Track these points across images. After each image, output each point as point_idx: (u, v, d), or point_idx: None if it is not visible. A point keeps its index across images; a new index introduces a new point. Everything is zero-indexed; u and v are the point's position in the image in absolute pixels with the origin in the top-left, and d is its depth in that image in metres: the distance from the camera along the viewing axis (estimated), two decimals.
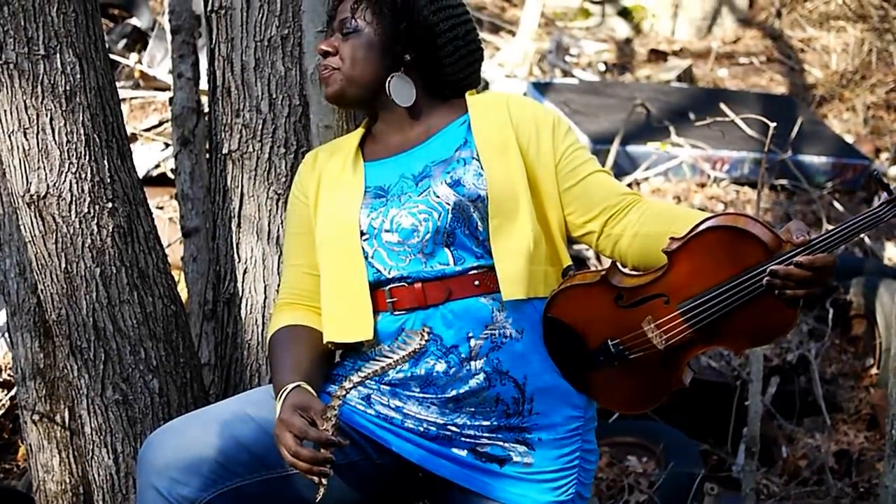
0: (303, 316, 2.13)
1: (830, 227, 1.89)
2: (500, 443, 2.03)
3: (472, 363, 2.01)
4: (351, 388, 1.99)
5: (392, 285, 2.03)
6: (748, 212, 5.75)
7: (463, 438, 2.03)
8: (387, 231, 2.04)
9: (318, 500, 1.93)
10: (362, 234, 2.06)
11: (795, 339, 4.88)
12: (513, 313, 2.02)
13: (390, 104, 2.13)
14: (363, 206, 2.08)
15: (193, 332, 2.77)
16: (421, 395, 2.02)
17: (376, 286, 2.05)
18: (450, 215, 2.02)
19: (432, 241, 2.02)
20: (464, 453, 2.03)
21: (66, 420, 2.77)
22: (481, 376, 2.01)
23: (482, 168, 2.04)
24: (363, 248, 2.06)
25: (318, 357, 2.09)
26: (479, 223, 2.02)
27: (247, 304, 2.53)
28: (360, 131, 2.23)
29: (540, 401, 2.04)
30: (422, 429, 2.03)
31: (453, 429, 2.02)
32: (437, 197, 2.03)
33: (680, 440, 4.18)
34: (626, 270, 2.03)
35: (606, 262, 2.31)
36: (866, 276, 4.92)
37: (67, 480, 2.50)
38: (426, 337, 1.99)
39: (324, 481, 1.92)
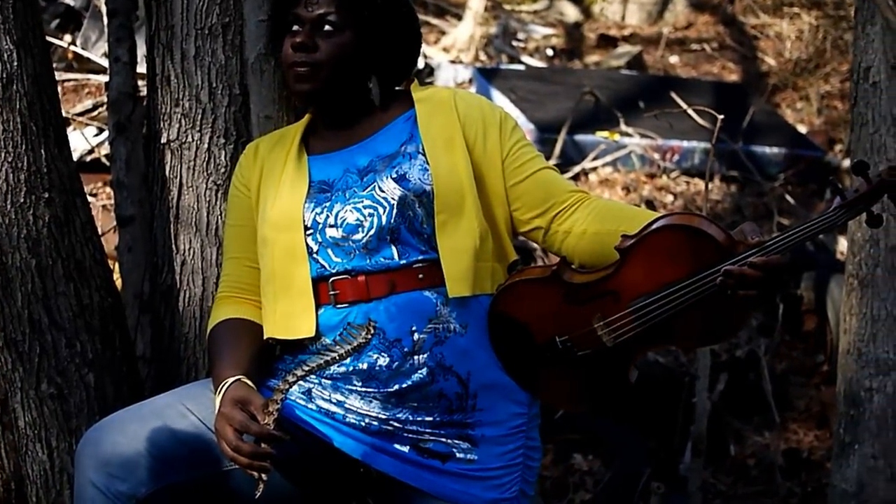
0: (243, 309, 2.19)
1: (785, 229, 1.95)
2: (443, 439, 2.09)
3: (416, 357, 2.06)
4: (293, 383, 2.02)
5: (335, 278, 2.09)
6: (699, 204, 5.87)
7: (405, 434, 2.09)
8: (331, 226, 2.10)
9: (257, 496, 1.98)
10: (306, 228, 2.11)
11: (745, 334, 4.97)
12: (457, 308, 2.08)
13: (350, 101, 2.18)
14: (307, 200, 2.13)
15: (129, 325, 2.83)
16: (363, 389, 2.08)
17: (319, 280, 2.11)
18: (395, 211, 2.07)
19: (377, 237, 2.08)
20: (406, 449, 2.09)
21: None
22: (424, 371, 2.06)
23: (427, 163, 2.10)
24: (307, 244, 2.11)
25: (259, 351, 2.15)
26: (425, 219, 2.08)
27: (184, 297, 2.59)
28: (302, 123, 2.27)
29: (483, 397, 2.10)
30: (364, 424, 2.08)
31: (395, 424, 2.08)
32: (382, 192, 2.09)
33: (626, 438, 4.25)
34: (575, 267, 2.08)
35: (553, 258, 2.38)
36: (818, 270, 5.04)
37: (0, 475, 2.54)
38: (371, 331, 2.03)
39: (264, 477, 1.97)
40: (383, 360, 2.06)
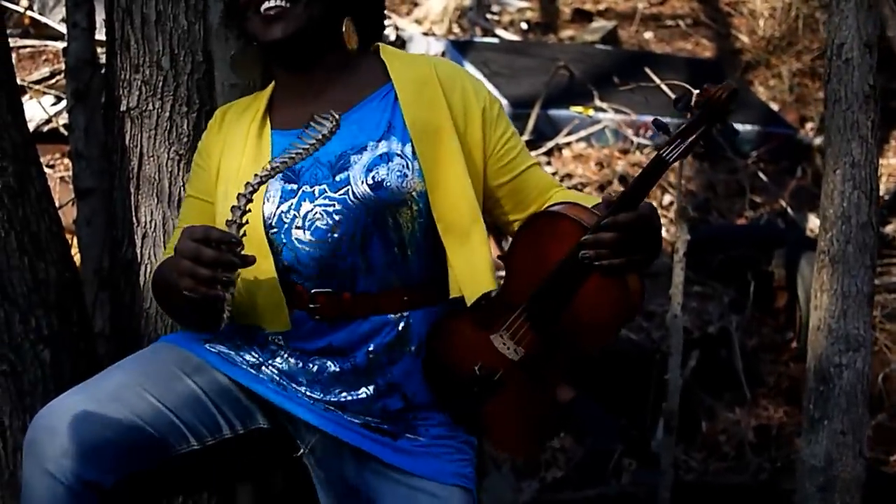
0: None
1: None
2: (388, 426, 2.04)
3: (365, 375, 2.01)
4: (258, 186, 1.84)
5: (316, 291, 1.98)
6: (671, 180, 5.85)
7: (353, 419, 2.04)
8: (298, 227, 1.98)
9: (222, 327, 1.87)
10: (271, 226, 1.99)
11: (717, 311, 4.99)
12: (416, 327, 2.01)
13: (323, 55, 2.03)
14: (271, 189, 1.99)
15: (88, 300, 2.76)
16: (306, 391, 2.03)
17: (291, 282, 2.00)
18: (369, 219, 1.95)
19: (347, 247, 1.97)
20: (357, 421, 2.04)
21: None
22: (371, 388, 2.01)
23: (408, 166, 1.96)
24: (272, 240, 1.99)
25: None
26: (403, 225, 1.97)
27: (146, 271, 2.52)
28: (267, 90, 2.13)
29: (426, 411, 2.06)
30: (313, 400, 2.03)
31: (341, 411, 2.03)
32: (356, 199, 1.95)
33: (598, 415, 4.25)
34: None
35: None
36: (788, 247, 5.05)
37: None
38: (336, 122, 1.83)
39: (228, 296, 1.84)
40: (333, 367, 2.01)
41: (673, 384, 3.57)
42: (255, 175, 1.85)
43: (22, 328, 2.41)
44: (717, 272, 5.20)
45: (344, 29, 2.02)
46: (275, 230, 1.99)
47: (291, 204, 1.98)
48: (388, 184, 1.94)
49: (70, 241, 2.65)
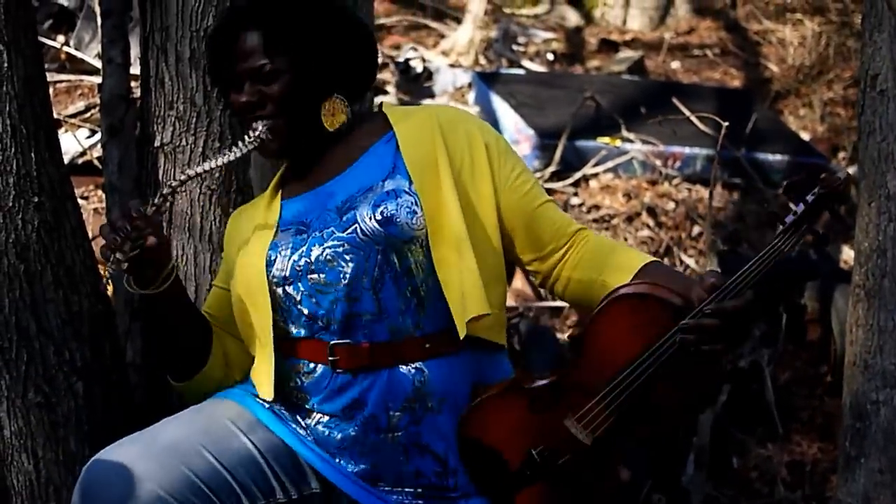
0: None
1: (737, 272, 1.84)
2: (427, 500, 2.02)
3: (390, 434, 1.99)
4: (179, 186, 1.97)
5: (335, 343, 1.99)
6: (701, 211, 5.83)
7: (390, 493, 2.02)
8: (312, 273, 1.99)
9: (108, 271, 1.92)
10: (286, 279, 2.01)
11: (748, 344, 4.96)
12: (435, 384, 1.99)
13: (319, 133, 2.07)
14: (282, 245, 2.03)
15: (120, 332, 2.79)
16: (335, 458, 2.03)
17: (311, 335, 2.02)
18: (379, 257, 1.96)
19: (360, 287, 1.97)
20: (395, 498, 2.02)
21: None
22: (400, 449, 1.99)
23: (418, 203, 1.96)
24: (289, 294, 2.01)
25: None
26: (414, 265, 1.97)
27: None
28: (279, 172, 2.19)
29: (467, 488, 2.01)
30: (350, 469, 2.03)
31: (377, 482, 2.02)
32: (365, 235, 1.96)
33: (627, 449, 4.23)
34: (534, 374, 1.96)
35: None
36: (822, 280, 5.01)
37: None
38: (261, 130, 1.97)
39: (119, 255, 1.89)
40: (356, 432, 2.00)
41: (704, 418, 3.55)
42: (175, 178, 1.98)
43: (56, 360, 2.44)
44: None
45: (324, 113, 2.05)
46: (290, 282, 2.01)
47: (302, 252, 2.01)
48: (398, 220, 1.95)
49: (103, 273, 2.69)
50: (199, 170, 2.01)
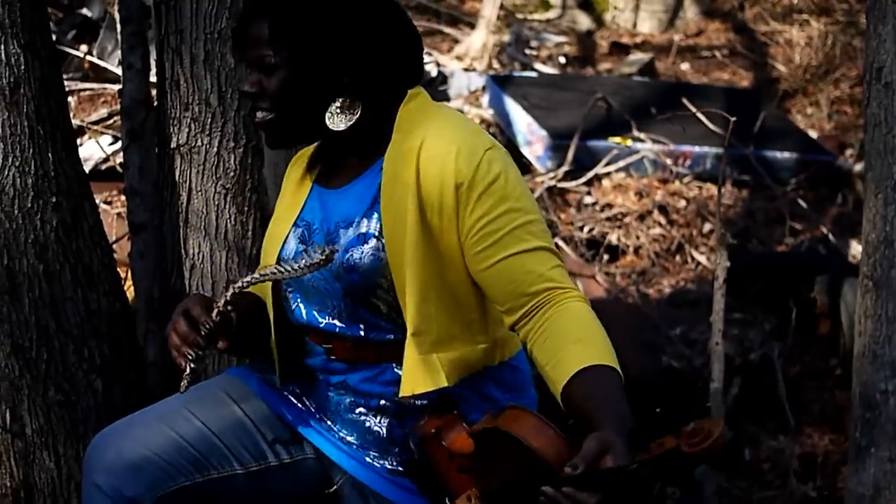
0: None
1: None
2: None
3: (376, 417, 1.99)
4: (241, 289, 1.89)
5: (335, 338, 1.98)
6: (711, 209, 5.81)
7: (378, 459, 2.02)
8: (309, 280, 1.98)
9: (182, 391, 1.91)
10: (288, 284, 2.02)
11: (758, 338, 4.95)
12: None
13: (324, 132, 1.95)
14: (290, 242, 2.02)
15: (140, 331, 2.79)
16: (339, 429, 2.03)
17: (309, 327, 2.01)
18: (347, 297, 1.94)
19: (336, 306, 1.97)
20: (382, 464, 2.02)
21: (8, 421, 2.76)
22: (384, 428, 1.99)
23: (383, 249, 1.90)
24: (291, 287, 2.01)
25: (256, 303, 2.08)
26: (383, 305, 1.93)
27: None
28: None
29: None
30: (341, 440, 2.04)
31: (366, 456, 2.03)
32: (335, 278, 1.93)
33: (639, 442, 4.21)
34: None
35: None
36: (831, 274, 4.99)
37: (8, 484, 2.49)
38: (330, 254, 1.81)
39: (189, 368, 1.88)
40: (350, 399, 2.00)
41: (715, 412, 3.53)
42: (245, 280, 1.90)
43: (76, 358, 2.44)
44: (757, 299, 5.15)
45: (329, 113, 1.93)
46: (291, 289, 2.02)
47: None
48: (361, 268, 1.90)
49: (125, 274, 2.69)
50: (257, 276, 1.92)
